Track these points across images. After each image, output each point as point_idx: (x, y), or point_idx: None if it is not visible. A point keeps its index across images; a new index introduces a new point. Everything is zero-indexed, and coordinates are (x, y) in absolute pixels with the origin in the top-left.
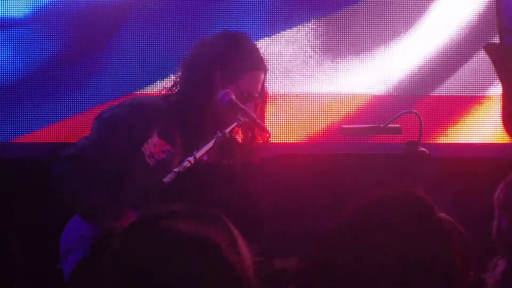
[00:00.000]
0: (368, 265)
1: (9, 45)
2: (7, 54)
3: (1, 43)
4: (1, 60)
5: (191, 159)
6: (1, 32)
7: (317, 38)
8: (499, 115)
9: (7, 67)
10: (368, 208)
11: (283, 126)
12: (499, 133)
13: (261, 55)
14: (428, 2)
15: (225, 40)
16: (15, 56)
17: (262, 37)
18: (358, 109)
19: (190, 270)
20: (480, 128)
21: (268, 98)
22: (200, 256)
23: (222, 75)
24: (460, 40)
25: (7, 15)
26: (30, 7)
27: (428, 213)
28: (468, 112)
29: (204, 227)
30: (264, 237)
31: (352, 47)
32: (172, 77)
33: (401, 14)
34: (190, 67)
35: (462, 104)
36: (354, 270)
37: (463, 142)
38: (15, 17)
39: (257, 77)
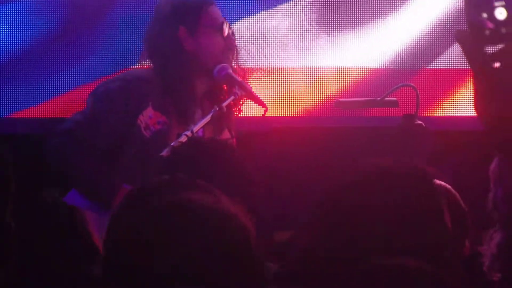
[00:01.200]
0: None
1: (4, 20)
2: (2, 29)
3: None
4: None
5: (188, 133)
6: None
7: (314, 11)
8: None
9: (4, 42)
10: (368, 179)
11: (279, 100)
12: None
13: None
14: None
15: (169, 4)
16: (11, 32)
17: (259, 11)
18: (354, 82)
19: (210, 241)
20: None
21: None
22: (219, 225)
23: (186, 29)
24: (457, 12)
25: None
26: None
27: (427, 183)
28: (464, 85)
29: (211, 197)
30: (261, 211)
31: (348, 20)
32: None
33: None
34: (154, 37)
35: (459, 77)
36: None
37: (460, 115)
38: None
39: (216, 10)
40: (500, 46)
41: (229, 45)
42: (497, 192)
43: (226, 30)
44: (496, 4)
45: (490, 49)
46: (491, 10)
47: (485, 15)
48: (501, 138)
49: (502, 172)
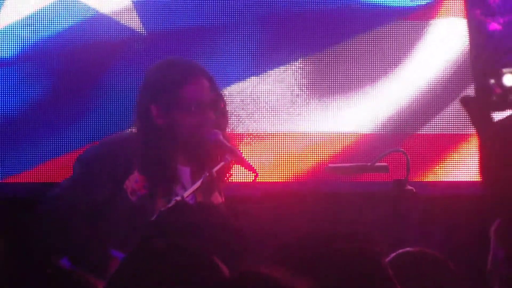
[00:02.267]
0: None
1: None
2: None
3: None
4: None
5: (178, 198)
6: None
7: (304, 77)
8: None
9: None
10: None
11: (270, 165)
12: None
13: (192, 66)
14: (414, 41)
15: (151, 74)
16: (3, 96)
17: (249, 76)
18: (345, 147)
19: None
20: (467, 166)
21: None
22: None
23: (159, 107)
24: (447, 78)
25: None
26: (17, 47)
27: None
28: (455, 150)
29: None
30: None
31: (339, 85)
32: None
33: (388, 53)
34: (134, 105)
35: (449, 142)
36: None
37: (451, 180)
38: (3, 57)
39: (195, 87)
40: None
41: (206, 119)
42: (498, 253)
43: (203, 108)
44: (505, 70)
45: (497, 115)
46: (499, 76)
47: (492, 81)
48: (505, 201)
49: (504, 233)
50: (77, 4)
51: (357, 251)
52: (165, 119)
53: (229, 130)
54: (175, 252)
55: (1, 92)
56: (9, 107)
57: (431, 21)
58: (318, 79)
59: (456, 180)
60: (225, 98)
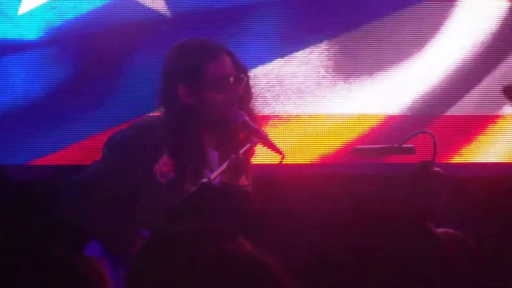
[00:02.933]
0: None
1: (23, 68)
2: (21, 77)
3: (15, 66)
4: (15, 83)
5: (205, 180)
6: (15, 55)
7: (330, 58)
8: None
9: (21, 90)
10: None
11: (296, 147)
12: None
13: (213, 44)
14: (441, 21)
15: (174, 55)
16: (28, 80)
17: (275, 58)
18: (371, 129)
19: None
20: (495, 147)
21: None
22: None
23: (186, 87)
24: (474, 58)
25: (21, 38)
26: (42, 30)
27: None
28: (482, 131)
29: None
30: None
31: (365, 67)
32: None
33: (415, 33)
34: (159, 88)
35: (477, 123)
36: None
37: (478, 161)
38: (29, 40)
39: (219, 64)
40: None
41: (234, 96)
42: None
43: (230, 83)
44: None
45: None
46: None
47: None
48: None
49: None
50: None
51: None
52: (193, 98)
53: (255, 112)
54: (188, 238)
55: (27, 75)
56: (35, 90)
57: (459, 1)
58: (344, 60)
59: (483, 161)
60: (248, 73)
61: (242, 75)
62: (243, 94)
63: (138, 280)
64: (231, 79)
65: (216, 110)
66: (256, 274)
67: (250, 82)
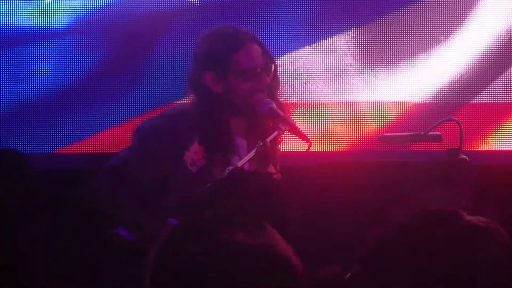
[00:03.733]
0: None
1: (50, 56)
2: (48, 65)
3: (42, 54)
4: (42, 71)
5: (232, 167)
6: (42, 43)
7: (357, 46)
8: None
9: (48, 78)
10: (412, 223)
11: (323, 135)
12: None
13: (241, 32)
14: (468, 9)
15: (204, 42)
16: (56, 67)
17: (303, 46)
18: (398, 117)
19: (260, 281)
20: None
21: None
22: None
23: (213, 74)
24: (501, 46)
25: (48, 26)
26: (70, 18)
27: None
28: (509, 118)
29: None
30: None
31: (392, 55)
32: None
33: (441, 21)
34: (188, 74)
35: (504, 111)
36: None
37: (505, 149)
38: (56, 28)
39: (247, 53)
40: None
41: (261, 85)
42: None
43: (258, 71)
44: None
45: None
46: None
47: None
48: None
49: None
50: None
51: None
52: (220, 86)
53: (283, 99)
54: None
55: (55, 63)
56: (63, 78)
57: None
58: (371, 48)
59: (510, 149)
60: (277, 63)
61: (270, 64)
62: (271, 82)
63: (164, 266)
64: (259, 68)
65: (244, 98)
66: (265, 265)
67: (277, 71)
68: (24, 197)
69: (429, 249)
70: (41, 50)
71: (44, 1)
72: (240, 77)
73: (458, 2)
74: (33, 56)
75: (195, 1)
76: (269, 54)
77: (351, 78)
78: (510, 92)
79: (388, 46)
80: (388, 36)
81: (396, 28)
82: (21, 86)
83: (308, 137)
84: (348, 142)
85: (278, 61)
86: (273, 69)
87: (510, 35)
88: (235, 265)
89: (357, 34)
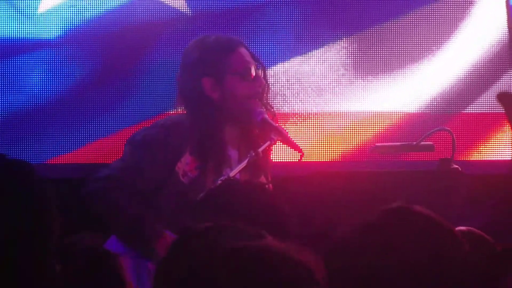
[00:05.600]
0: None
1: (41, 67)
2: (39, 75)
3: (33, 65)
4: (33, 82)
5: (224, 178)
6: (33, 54)
7: (349, 56)
8: None
9: (39, 88)
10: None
11: (315, 145)
12: None
13: (230, 37)
14: (459, 19)
15: (195, 50)
16: (48, 77)
17: (294, 56)
18: (390, 127)
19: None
20: None
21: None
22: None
23: (211, 79)
24: (492, 56)
25: (39, 37)
26: (60, 29)
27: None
28: (500, 128)
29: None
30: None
31: (383, 65)
32: None
33: (433, 31)
34: (181, 83)
35: (495, 121)
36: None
37: (497, 159)
38: (46, 39)
39: (240, 55)
40: None
41: (257, 87)
42: None
43: (253, 73)
44: None
45: None
46: None
47: None
48: None
49: None
50: None
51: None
52: (218, 91)
53: (275, 109)
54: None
55: (48, 73)
56: (56, 88)
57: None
58: (362, 58)
59: (502, 159)
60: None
61: (260, 65)
62: (265, 85)
63: (167, 277)
64: (253, 68)
65: (240, 101)
66: (283, 272)
67: (267, 76)
68: (35, 207)
69: (393, 246)
70: (33, 60)
71: (36, 12)
72: (235, 77)
73: (450, 12)
74: (24, 66)
75: (187, 11)
76: (258, 58)
77: (343, 88)
78: None
79: (380, 56)
80: (380, 46)
81: (387, 38)
82: (13, 96)
83: (300, 147)
84: (340, 152)
85: (270, 71)
86: (265, 72)
87: (501, 45)
88: (248, 273)
89: (349, 44)
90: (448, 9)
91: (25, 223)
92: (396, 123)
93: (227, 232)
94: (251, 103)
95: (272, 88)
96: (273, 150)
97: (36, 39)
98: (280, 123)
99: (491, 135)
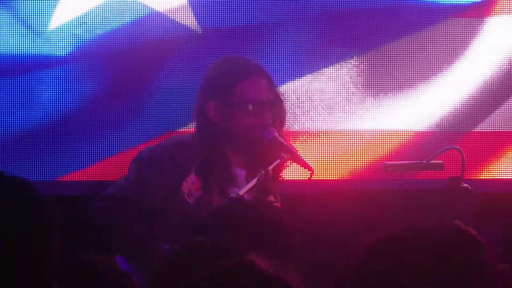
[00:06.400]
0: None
1: (52, 84)
2: (50, 93)
3: (44, 82)
4: (43, 100)
5: (233, 195)
6: (44, 71)
7: (359, 74)
8: None
9: (50, 106)
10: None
11: (325, 163)
12: None
13: (250, 64)
14: (471, 37)
15: (210, 70)
16: (57, 96)
17: (304, 74)
18: (400, 145)
19: None
20: None
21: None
22: None
23: (215, 103)
24: (503, 75)
25: (50, 54)
26: (72, 45)
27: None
28: (511, 147)
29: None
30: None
31: (394, 83)
32: None
33: (444, 50)
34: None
35: (505, 140)
36: None
37: (507, 177)
38: (58, 56)
39: (252, 85)
40: None
41: (264, 121)
42: None
43: (260, 108)
44: None
45: None
46: None
47: None
48: None
49: None
50: (132, 2)
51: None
52: (221, 117)
53: (285, 127)
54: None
55: (57, 91)
56: (64, 106)
57: (486, 19)
58: (373, 77)
59: None
60: (283, 98)
61: (274, 101)
62: (274, 118)
63: None
64: (262, 103)
65: (243, 131)
66: None
67: (284, 107)
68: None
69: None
70: (44, 77)
71: (46, 29)
72: (242, 109)
73: (461, 31)
74: (35, 84)
75: (198, 29)
76: (277, 90)
77: (353, 107)
78: (511, 121)
79: (390, 75)
80: (390, 65)
81: (398, 56)
82: (22, 113)
83: (310, 166)
84: (350, 171)
85: (280, 89)
86: (279, 107)
87: (511, 64)
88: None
89: (359, 62)
90: (459, 27)
91: (22, 242)
92: (406, 141)
93: (213, 250)
94: (255, 132)
95: (285, 109)
96: (285, 168)
97: (47, 55)
98: (290, 141)
99: (501, 153)
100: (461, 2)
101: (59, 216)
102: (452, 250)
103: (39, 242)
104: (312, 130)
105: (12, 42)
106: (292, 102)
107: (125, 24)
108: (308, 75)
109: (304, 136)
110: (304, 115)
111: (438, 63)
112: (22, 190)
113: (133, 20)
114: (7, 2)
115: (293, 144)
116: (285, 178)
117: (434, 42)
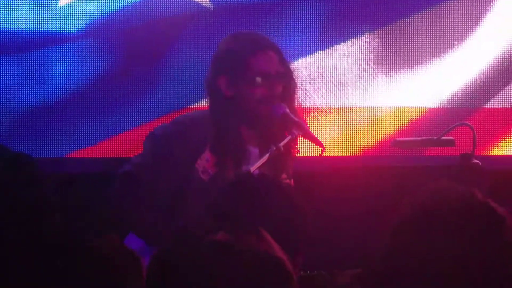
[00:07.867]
0: (432, 267)
1: (63, 60)
2: (61, 69)
3: (55, 58)
4: (55, 76)
5: (243, 171)
6: (55, 48)
7: (371, 51)
8: None
9: (61, 82)
10: (432, 209)
11: (337, 140)
12: None
13: (260, 38)
14: (482, 13)
15: (222, 46)
16: (69, 72)
17: (316, 50)
18: (411, 122)
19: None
20: None
21: (297, 88)
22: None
23: (227, 77)
24: None
25: (61, 30)
26: (82, 22)
27: (498, 222)
28: None
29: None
30: (305, 252)
31: (405, 60)
32: None
33: (455, 26)
34: (206, 77)
35: None
36: (418, 272)
37: None
38: (68, 32)
39: (262, 58)
40: None
41: (273, 94)
42: None
43: (270, 80)
44: None
45: None
46: None
47: None
48: None
49: None
50: None
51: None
52: (232, 91)
53: (296, 104)
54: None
55: (68, 67)
56: (76, 82)
57: None
58: (384, 53)
59: None
60: (294, 73)
61: (284, 73)
62: (284, 91)
63: (156, 273)
64: (272, 76)
65: (253, 104)
66: (260, 268)
67: (294, 81)
68: (34, 199)
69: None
70: (55, 53)
71: (57, 5)
72: (252, 82)
73: (472, 7)
74: (46, 60)
75: (209, 5)
76: (287, 65)
77: (364, 83)
78: None
79: (402, 51)
80: (402, 41)
81: (409, 33)
82: (34, 89)
83: (321, 142)
84: (361, 147)
85: (292, 66)
86: (290, 81)
87: None
88: (220, 267)
89: (371, 39)
90: (471, 3)
91: (23, 217)
92: (417, 118)
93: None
94: (266, 105)
95: (296, 83)
96: (297, 146)
97: (57, 32)
98: (304, 118)
99: None
100: None
101: (63, 193)
102: (473, 225)
103: (38, 217)
104: (324, 107)
105: (22, 18)
106: (304, 79)
107: (136, 0)
108: (319, 52)
109: (316, 112)
110: (316, 91)
111: (449, 39)
112: (22, 165)
113: None
114: None
115: (304, 121)
116: (297, 155)
117: (445, 18)
